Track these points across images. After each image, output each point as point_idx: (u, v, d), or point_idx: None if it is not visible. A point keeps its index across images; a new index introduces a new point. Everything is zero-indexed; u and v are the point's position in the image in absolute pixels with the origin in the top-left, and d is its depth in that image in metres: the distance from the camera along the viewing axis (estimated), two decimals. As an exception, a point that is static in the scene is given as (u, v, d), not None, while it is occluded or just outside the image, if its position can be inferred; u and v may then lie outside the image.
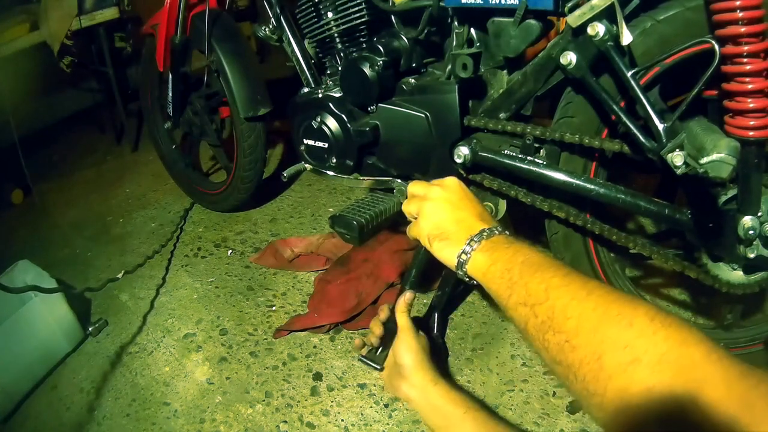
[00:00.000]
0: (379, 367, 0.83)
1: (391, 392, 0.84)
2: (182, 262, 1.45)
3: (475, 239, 0.58)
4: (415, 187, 0.69)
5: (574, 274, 0.49)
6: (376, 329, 0.88)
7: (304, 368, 1.06)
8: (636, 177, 1.25)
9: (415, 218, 0.67)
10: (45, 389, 1.12)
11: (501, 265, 0.54)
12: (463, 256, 0.58)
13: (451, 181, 0.67)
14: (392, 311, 0.87)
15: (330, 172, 1.04)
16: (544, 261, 0.52)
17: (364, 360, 0.84)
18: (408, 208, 0.68)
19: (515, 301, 0.51)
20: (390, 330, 0.87)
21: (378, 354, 0.87)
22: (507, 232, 0.60)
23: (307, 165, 1.08)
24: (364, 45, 0.98)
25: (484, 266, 0.56)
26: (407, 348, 0.80)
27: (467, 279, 0.59)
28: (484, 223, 0.61)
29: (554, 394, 0.94)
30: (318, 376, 1.04)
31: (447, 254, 0.60)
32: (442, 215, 0.63)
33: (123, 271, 1.38)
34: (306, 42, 1.10)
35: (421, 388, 0.78)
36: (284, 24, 1.09)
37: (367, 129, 0.94)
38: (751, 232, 0.66)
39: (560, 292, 0.47)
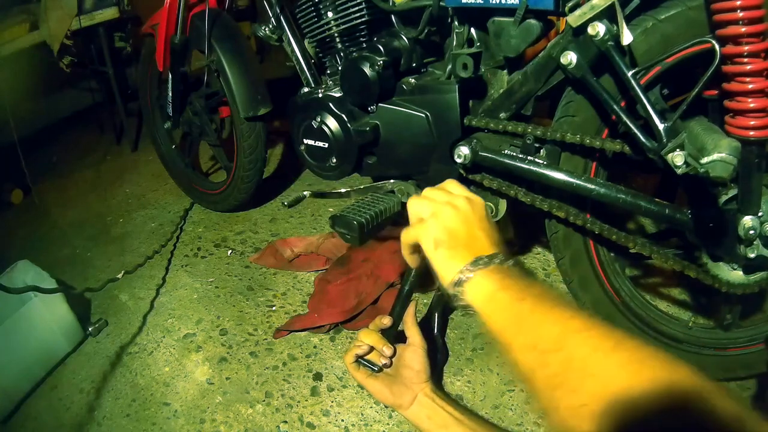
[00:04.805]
0: (377, 369, 0.83)
1: (381, 397, 0.83)
2: (182, 262, 1.45)
3: (485, 259, 0.51)
4: (435, 193, 0.62)
5: (596, 318, 0.42)
6: (387, 350, 0.83)
7: (305, 368, 1.06)
8: (636, 177, 1.25)
9: (421, 219, 0.60)
10: (45, 389, 1.12)
11: (512, 293, 0.47)
12: (466, 273, 0.50)
13: (480, 201, 0.61)
14: (394, 321, 0.88)
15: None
16: (563, 299, 0.46)
17: (363, 362, 0.84)
18: (417, 206, 0.60)
19: (522, 343, 0.43)
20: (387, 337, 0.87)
21: None
22: (520, 267, 0.55)
23: (306, 193, 1.09)
24: (365, 45, 0.98)
25: (490, 290, 0.48)
26: (418, 361, 0.82)
27: (457, 301, 0.51)
28: (500, 251, 0.54)
29: (554, 394, 0.94)
30: (318, 377, 1.04)
31: (448, 265, 0.53)
32: (459, 224, 0.56)
33: (123, 271, 1.38)
34: (306, 42, 1.10)
35: (425, 395, 0.80)
36: (284, 24, 1.09)
37: (368, 129, 0.94)
38: (751, 232, 0.66)
39: (580, 339, 0.40)
